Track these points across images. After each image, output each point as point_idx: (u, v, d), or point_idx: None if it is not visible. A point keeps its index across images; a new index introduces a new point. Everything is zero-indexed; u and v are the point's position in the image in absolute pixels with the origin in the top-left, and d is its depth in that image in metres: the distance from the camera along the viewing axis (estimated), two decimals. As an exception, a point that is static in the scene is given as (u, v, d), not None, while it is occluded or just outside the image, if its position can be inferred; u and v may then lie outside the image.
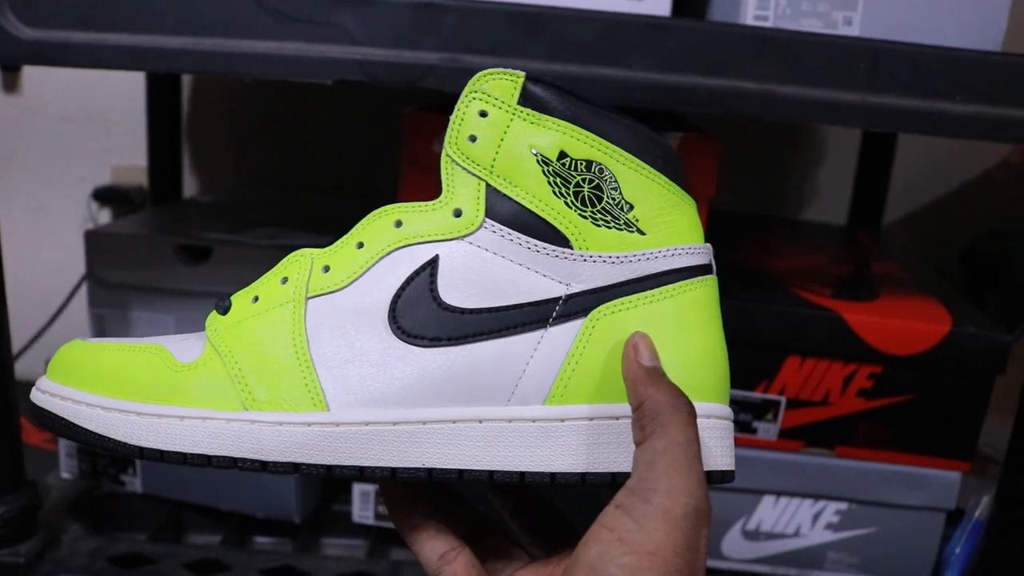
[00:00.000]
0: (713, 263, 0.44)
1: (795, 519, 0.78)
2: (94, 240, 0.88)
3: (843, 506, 0.78)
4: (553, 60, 0.60)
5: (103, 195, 1.23)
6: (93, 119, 1.25)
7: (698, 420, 0.39)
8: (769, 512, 0.78)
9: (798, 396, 0.76)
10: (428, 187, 0.74)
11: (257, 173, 1.26)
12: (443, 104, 0.77)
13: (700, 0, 0.74)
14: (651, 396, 0.38)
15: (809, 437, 0.77)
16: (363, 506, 0.83)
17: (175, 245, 0.85)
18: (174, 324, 0.87)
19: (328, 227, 0.93)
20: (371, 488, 0.82)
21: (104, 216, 1.26)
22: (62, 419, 0.42)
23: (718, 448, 0.41)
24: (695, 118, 0.83)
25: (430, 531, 0.43)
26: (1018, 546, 0.72)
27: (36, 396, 0.44)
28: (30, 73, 1.24)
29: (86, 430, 0.42)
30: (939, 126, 0.62)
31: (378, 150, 1.22)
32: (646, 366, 0.39)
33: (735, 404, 0.76)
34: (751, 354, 0.75)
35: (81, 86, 1.23)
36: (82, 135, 1.25)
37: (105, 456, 0.89)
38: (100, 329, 0.90)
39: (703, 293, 0.43)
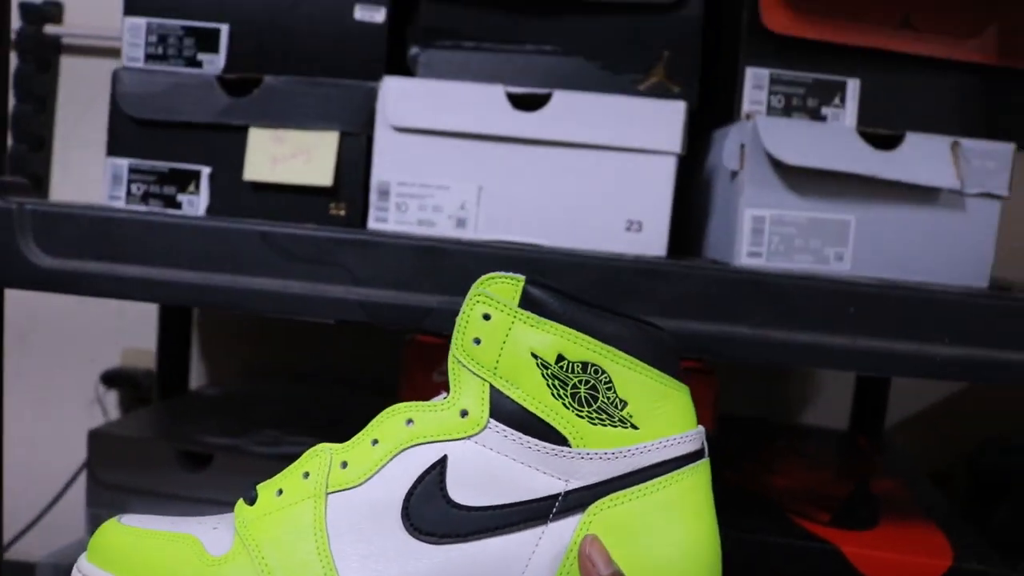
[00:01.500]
0: (705, 446, 0.46)
1: None
2: (97, 440, 0.88)
3: None
4: (550, 302, 0.62)
5: (111, 378, 1.25)
6: (107, 300, 1.28)
7: None
8: None
9: (797, 631, 0.74)
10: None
11: (263, 364, 1.28)
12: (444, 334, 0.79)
13: (694, 237, 0.77)
14: None
15: (811, 674, 0.74)
16: None
17: (177, 451, 0.86)
18: (170, 528, 0.87)
19: (334, 430, 0.94)
20: None
21: (111, 398, 1.27)
22: None
23: None
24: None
25: None
26: None
27: None
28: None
29: None
30: (930, 369, 0.62)
31: (387, 344, 1.24)
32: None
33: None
34: (748, 584, 0.73)
35: (98, 271, 1.26)
36: (95, 316, 1.28)
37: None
38: (94, 529, 0.89)
39: (695, 480, 0.45)
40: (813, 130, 0.70)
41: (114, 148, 0.77)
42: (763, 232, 0.68)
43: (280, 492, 0.47)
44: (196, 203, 0.76)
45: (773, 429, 1.10)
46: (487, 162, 0.72)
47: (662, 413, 0.45)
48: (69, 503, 1.18)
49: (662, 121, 0.71)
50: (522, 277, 0.46)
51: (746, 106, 0.72)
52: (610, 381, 0.44)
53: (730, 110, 0.75)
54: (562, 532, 0.44)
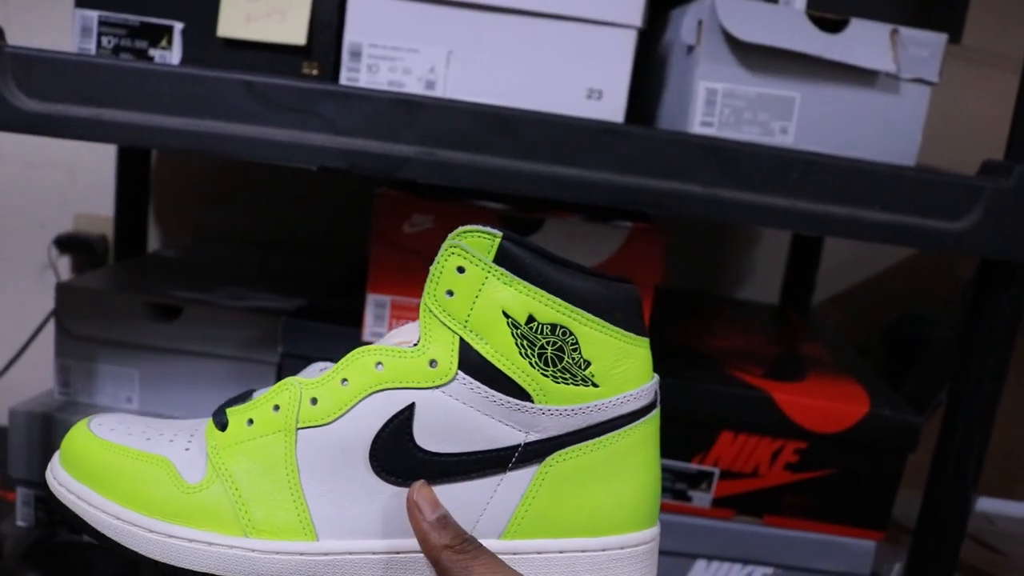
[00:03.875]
0: (658, 395, 0.48)
1: (725, 582, 0.83)
2: (65, 293, 0.91)
3: (769, 571, 0.83)
4: (519, 158, 0.66)
5: (64, 243, 1.26)
6: (59, 166, 1.28)
7: (633, 549, 0.47)
8: (702, 575, 0.83)
9: (730, 468, 0.82)
10: (398, 264, 0.80)
11: (216, 229, 1.30)
12: (413, 184, 0.83)
13: (649, 107, 0.81)
14: (439, 548, 0.44)
15: (740, 506, 0.83)
16: None
17: (146, 302, 0.89)
18: (139, 377, 0.90)
19: (289, 286, 0.98)
20: None
21: (64, 263, 1.28)
22: (81, 519, 0.48)
23: (645, 568, 0.48)
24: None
25: None
26: (926, 612, 0.78)
27: (54, 486, 0.49)
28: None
29: (106, 537, 0.47)
30: (862, 231, 0.69)
31: (328, 205, 1.27)
32: (431, 521, 0.45)
33: (674, 473, 0.82)
34: (689, 428, 0.81)
35: (49, 135, 1.26)
36: (46, 181, 1.28)
37: (62, 504, 0.91)
38: (65, 379, 0.92)
39: (645, 432, 0.47)
40: (766, 10, 0.74)
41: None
42: (715, 104, 0.73)
43: (251, 422, 0.48)
44: (168, 58, 0.78)
45: (711, 301, 1.17)
46: (458, 28, 0.75)
47: (622, 371, 0.46)
48: (29, 362, 1.21)
49: (626, -5, 0.74)
50: (499, 233, 0.45)
51: (705, -15, 0.76)
52: (576, 343, 0.45)
53: (688, -10, 0.79)
54: (520, 480, 0.46)
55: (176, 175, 1.28)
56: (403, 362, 0.46)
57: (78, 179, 1.28)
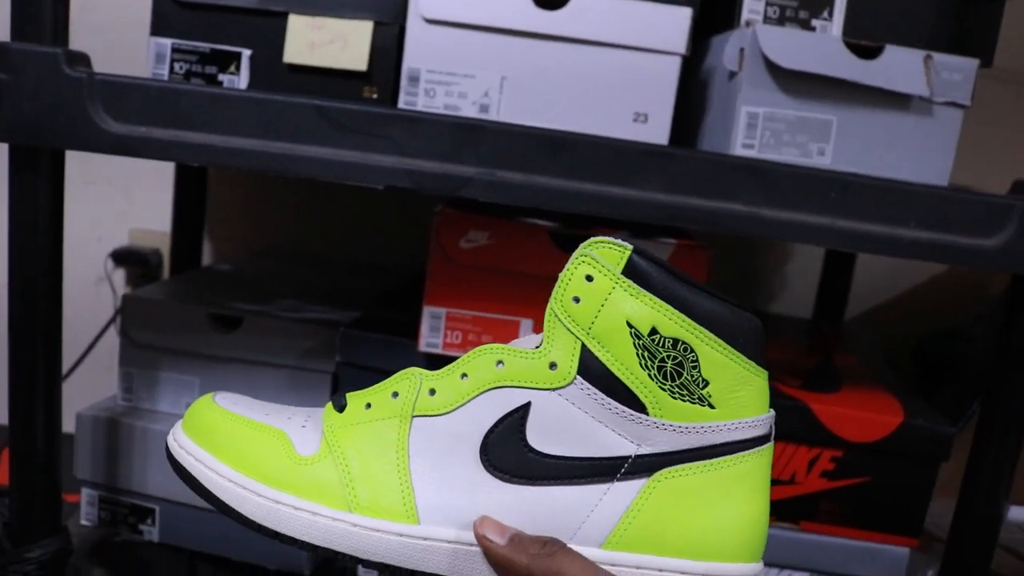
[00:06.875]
0: (772, 430, 0.48)
1: (763, 586, 0.86)
2: (130, 303, 0.95)
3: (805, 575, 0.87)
4: (572, 178, 0.70)
5: (120, 256, 1.31)
6: (114, 183, 1.33)
7: None
8: (739, 579, 0.86)
9: (769, 475, 0.85)
10: (454, 277, 0.84)
11: (264, 244, 1.34)
12: (468, 201, 0.87)
13: (691, 130, 0.85)
14: (525, 563, 0.45)
15: (777, 512, 0.85)
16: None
17: (208, 313, 0.93)
18: (199, 385, 0.95)
19: (344, 300, 1.02)
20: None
21: (118, 276, 1.33)
22: (195, 479, 0.50)
23: None
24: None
25: None
26: (958, 617, 0.81)
27: (174, 448, 0.51)
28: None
29: (214, 496, 0.49)
30: (898, 248, 0.72)
31: (372, 222, 1.32)
32: (505, 545, 0.46)
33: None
34: (728, 436, 0.84)
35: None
36: (103, 198, 1.33)
37: (125, 505, 0.95)
38: (128, 385, 0.97)
39: (756, 464, 0.47)
40: (805, 38, 0.78)
41: (157, 28, 0.83)
42: (756, 127, 0.77)
43: (368, 406, 0.49)
44: (236, 83, 0.83)
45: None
46: (510, 55, 0.79)
47: (739, 397, 0.46)
48: (88, 370, 1.25)
49: (670, 24, 0.78)
50: (630, 246, 0.46)
51: (745, 15, 0.80)
52: (696, 360, 0.45)
53: (727, 19, 0.82)
54: (627, 491, 0.46)
55: (228, 192, 1.33)
56: (524, 362, 0.47)
57: (133, 195, 1.33)
